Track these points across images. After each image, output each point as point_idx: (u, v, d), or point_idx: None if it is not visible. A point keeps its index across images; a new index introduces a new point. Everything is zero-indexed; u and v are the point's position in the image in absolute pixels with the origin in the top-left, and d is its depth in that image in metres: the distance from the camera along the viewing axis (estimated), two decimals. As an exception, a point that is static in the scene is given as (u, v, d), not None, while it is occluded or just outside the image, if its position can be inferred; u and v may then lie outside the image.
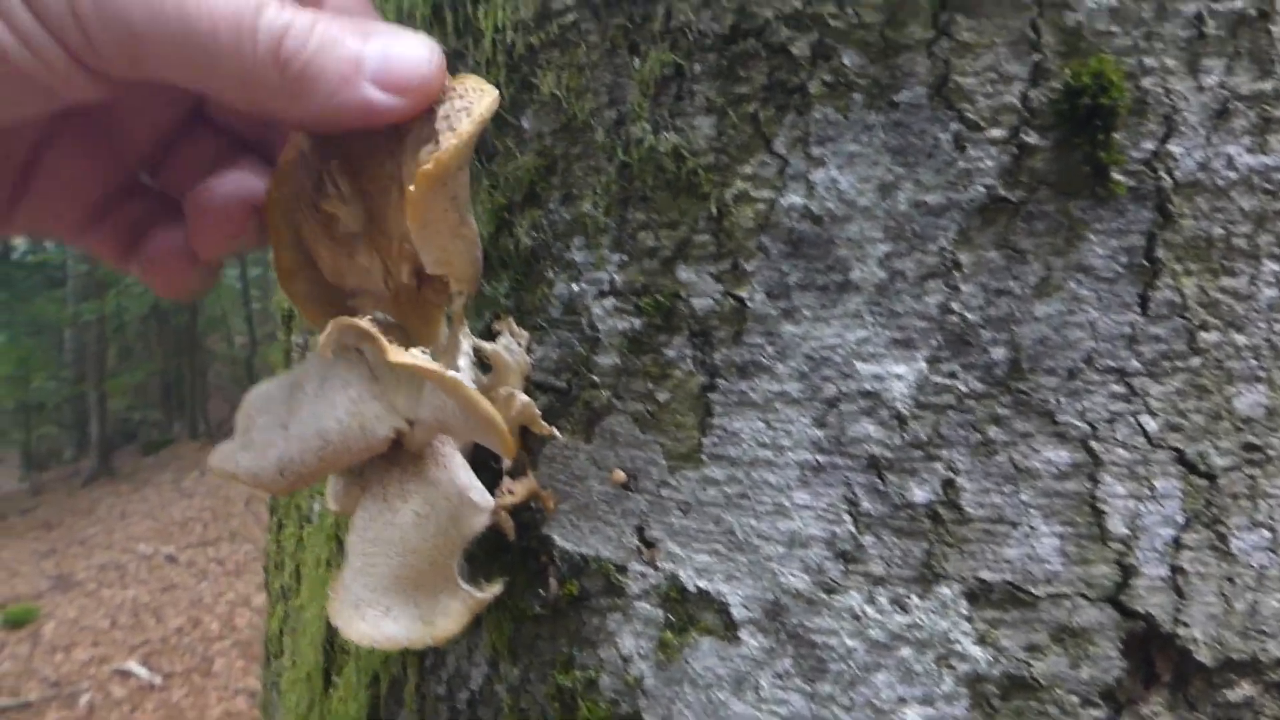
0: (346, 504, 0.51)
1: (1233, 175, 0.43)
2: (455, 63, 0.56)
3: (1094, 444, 0.43)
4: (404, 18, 0.60)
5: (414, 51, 0.40)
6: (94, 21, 0.35)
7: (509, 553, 0.51)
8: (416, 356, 0.37)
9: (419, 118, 0.42)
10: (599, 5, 0.48)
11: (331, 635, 0.67)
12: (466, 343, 0.46)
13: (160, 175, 0.50)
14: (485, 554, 0.51)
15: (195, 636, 9.05)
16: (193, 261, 0.48)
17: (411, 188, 0.40)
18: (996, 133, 0.43)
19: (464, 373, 0.45)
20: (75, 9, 0.34)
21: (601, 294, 0.49)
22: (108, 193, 0.48)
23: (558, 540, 0.50)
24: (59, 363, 23.05)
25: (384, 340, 0.38)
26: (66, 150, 0.46)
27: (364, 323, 0.39)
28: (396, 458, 0.48)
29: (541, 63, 0.51)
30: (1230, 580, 0.44)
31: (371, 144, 0.44)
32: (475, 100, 0.42)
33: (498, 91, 0.43)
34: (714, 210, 0.46)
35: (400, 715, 0.57)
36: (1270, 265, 0.44)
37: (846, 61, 0.43)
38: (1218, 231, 0.43)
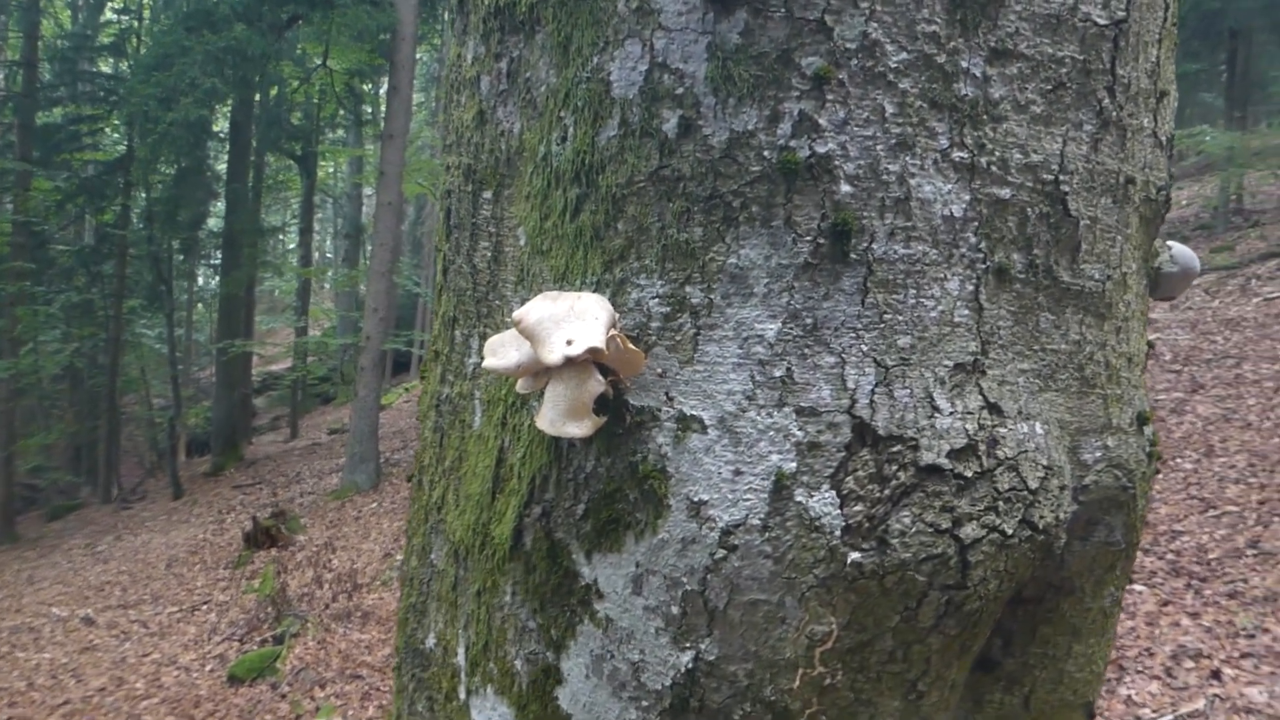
0: (535, 386, 1.18)
1: None
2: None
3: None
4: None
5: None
6: None
7: (610, 405, 1.18)
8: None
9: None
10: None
11: (499, 468, 1.31)
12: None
13: None
14: (600, 405, 1.18)
15: (119, 696, 8.97)
16: None
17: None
18: None
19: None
20: None
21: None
22: None
23: (630, 400, 1.17)
24: (-42, 424, 21.97)
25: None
26: None
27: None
28: (568, 364, 1.15)
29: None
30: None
31: None
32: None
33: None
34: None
35: (546, 494, 1.22)
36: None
37: None
38: None
